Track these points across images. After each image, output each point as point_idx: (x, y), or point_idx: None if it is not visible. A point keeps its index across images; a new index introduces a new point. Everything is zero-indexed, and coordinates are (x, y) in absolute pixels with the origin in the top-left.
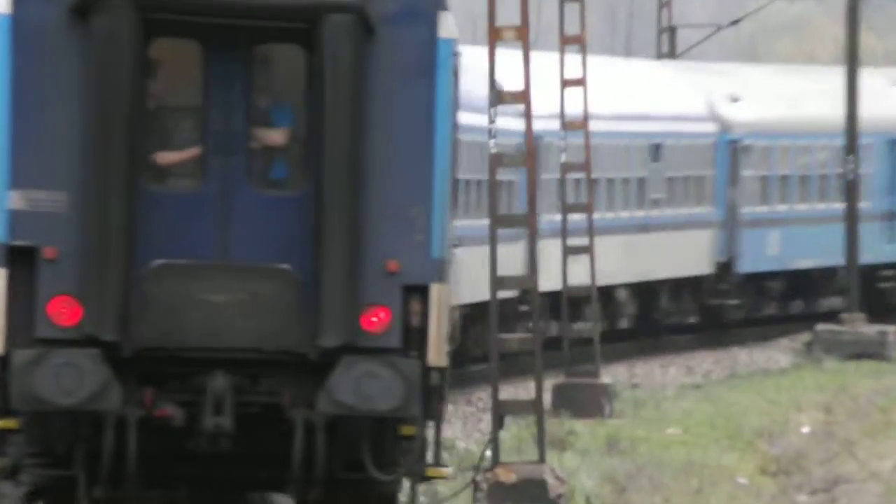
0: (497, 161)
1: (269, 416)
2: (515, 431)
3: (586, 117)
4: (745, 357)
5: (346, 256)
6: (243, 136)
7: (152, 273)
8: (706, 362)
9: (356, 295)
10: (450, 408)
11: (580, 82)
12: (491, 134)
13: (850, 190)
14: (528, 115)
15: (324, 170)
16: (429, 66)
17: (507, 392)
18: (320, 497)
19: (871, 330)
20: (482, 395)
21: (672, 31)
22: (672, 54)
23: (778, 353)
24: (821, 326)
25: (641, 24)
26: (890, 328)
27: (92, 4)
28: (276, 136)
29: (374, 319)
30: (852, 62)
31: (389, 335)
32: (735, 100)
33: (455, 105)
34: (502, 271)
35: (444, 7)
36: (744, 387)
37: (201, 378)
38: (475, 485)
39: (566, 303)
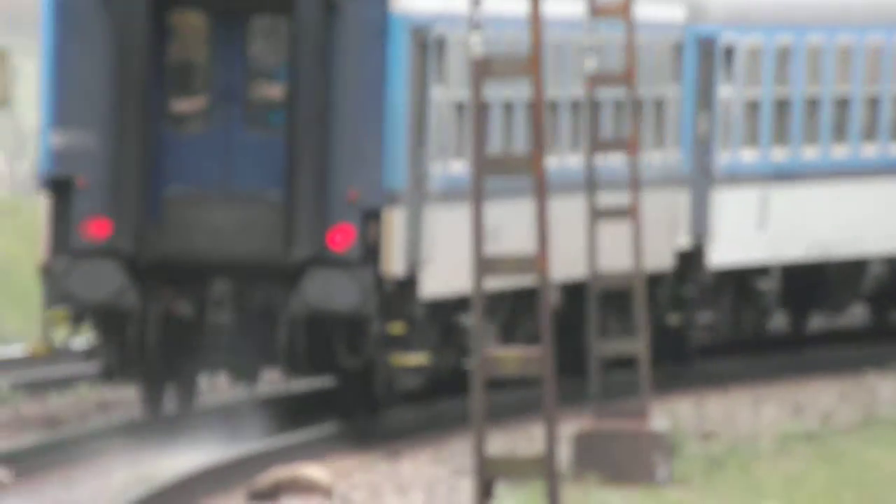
0: (483, 69)
1: (261, 313)
2: None
3: None
4: (889, 390)
5: (313, 186)
6: (242, 90)
7: (168, 199)
8: (825, 397)
9: (322, 217)
10: (408, 468)
11: None
12: (472, 22)
13: None
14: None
15: (296, 116)
16: (380, 36)
17: (500, 443)
18: (304, 377)
19: None
20: (458, 449)
21: None
22: None
23: None
24: None
25: None
26: None
27: None
28: (273, 90)
29: (338, 238)
30: None
31: (351, 251)
32: None
33: (426, 62)
34: (498, 247)
35: None
36: (887, 439)
37: (207, 283)
38: None
39: (595, 300)
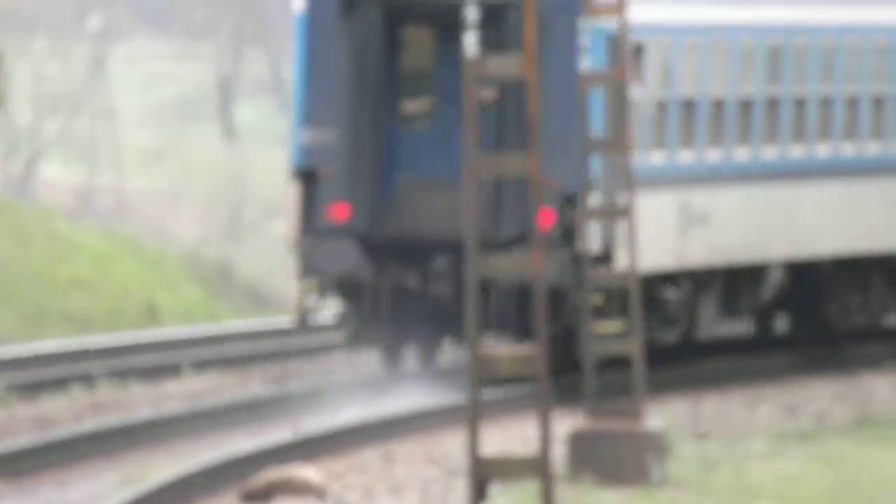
0: (477, 69)
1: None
2: None
3: None
4: (885, 389)
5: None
6: (461, 93)
7: (397, 186)
8: (819, 397)
9: (526, 202)
10: (401, 470)
11: None
12: (468, 23)
13: None
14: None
15: (505, 114)
16: (573, 44)
17: (494, 442)
18: (515, 342)
19: None
20: (451, 449)
21: None
22: None
23: None
24: None
25: None
26: None
27: (350, 5)
28: (487, 93)
29: (541, 220)
30: None
31: (552, 232)
32: None
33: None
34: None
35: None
36: (882, 439)
37: (429, 259)
38: None
39: (586, 299)
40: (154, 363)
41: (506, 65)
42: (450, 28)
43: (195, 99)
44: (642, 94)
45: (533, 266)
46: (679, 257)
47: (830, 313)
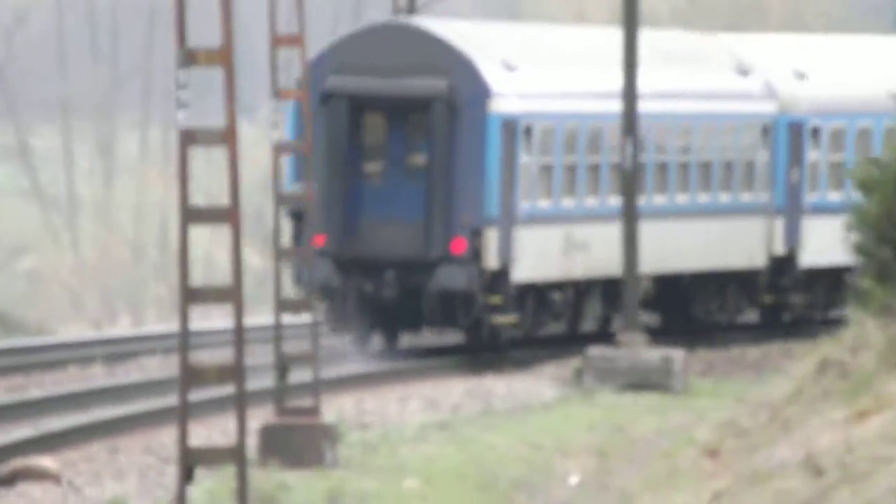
0: (188, 138)
1: (416, 291)
2: (209, 487)
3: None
4: (502, 388)
5: (442, 214)
6: (403, 158)
7: (360, 222)
8: (454, 394)
9: (447, 233)
10: (124, 459)
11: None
12: (180, 102)
13: (627, 180)
14: (229, 79)
15: (432, 174)
16: (482, 127)
17: (199, 435)
18: (440, 331)
19: (652, 355)
20: (166, 441)
21: None
22: (412, 9)
23: (541, 383)
24: (593, 350)
25: None
26: (676, 353)
27: (327, 98)
28: (420, 159)
29: (457, 245)
30: (631, 23)
31: (464, 254)
32: None
33: (514, 141)
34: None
35: (491, 95)
36: (500, 426)
37: (381, 272)
38: None
39: (279, 310)
40: None
41: (212, 134)
42: (395, 114)
43: None
44: (530, 159)
45: (234, 300)
46: (564, 271)
47: (696, 312)
